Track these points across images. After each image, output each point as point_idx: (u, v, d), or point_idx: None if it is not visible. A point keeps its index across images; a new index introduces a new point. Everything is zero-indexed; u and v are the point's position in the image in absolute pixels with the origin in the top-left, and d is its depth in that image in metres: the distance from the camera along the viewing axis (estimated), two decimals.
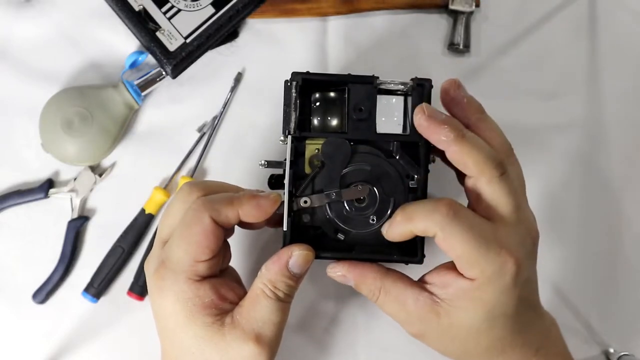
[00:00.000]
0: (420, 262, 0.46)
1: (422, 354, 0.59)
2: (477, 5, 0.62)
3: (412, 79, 0.46)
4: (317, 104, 0.48)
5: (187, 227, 0.44)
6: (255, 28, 0.63)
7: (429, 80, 0.46)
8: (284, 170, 0.46)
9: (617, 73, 0.64)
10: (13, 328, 0.59)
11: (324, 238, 0.46)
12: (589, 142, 0.63)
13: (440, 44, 0.63)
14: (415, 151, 0.46)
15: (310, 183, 0.46)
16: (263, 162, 0.48)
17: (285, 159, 0.46)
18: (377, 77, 0.46)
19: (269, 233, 0.59)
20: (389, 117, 0.47)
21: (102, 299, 0.59)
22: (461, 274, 0.43)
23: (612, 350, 0.60)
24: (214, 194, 0.46)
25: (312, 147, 0.46)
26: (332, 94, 0.48)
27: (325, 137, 0.46)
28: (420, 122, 0.43)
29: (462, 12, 0.62)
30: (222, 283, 0.46)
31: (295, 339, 0.58)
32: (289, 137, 0.46)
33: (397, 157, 0.46)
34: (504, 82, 0.63)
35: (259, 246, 0.59)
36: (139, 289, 0.58)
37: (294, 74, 0.46)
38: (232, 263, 0.50)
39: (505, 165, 0.44)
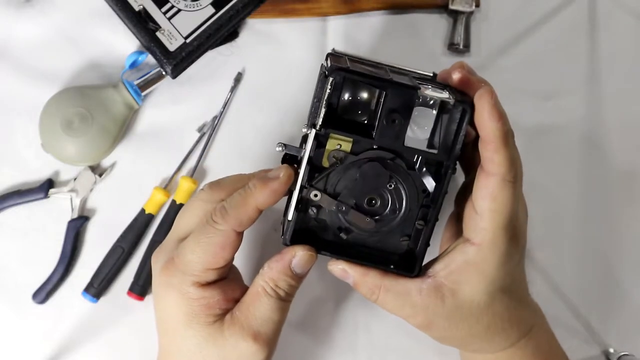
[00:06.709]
0: (417, 277, 0.46)
1: (422, 354, 0.59)
2: (477, 5, 0.62)
3: (453, 96, 0.43)
4: (347, 97, 0.45)
5: (205, 236, 0.44)
6: (255, 28, 0.62)
7: (470, 99, 0.43)
8: (300, 159, 0.44)
9: (617, 73, 0.64)
10: (13, 328, 0.58)
11: (325, 234, 0.46)
12: (589, 142, 0.63)
13: (440, 44, 0.63)
14: (438, 168, 0.45)
15: (325, 177, 0.45)
16: (280, 145, 0.45)
17: (304, 150, 0.44)
18: (419, 88, 0.43)
19: (267, 232, 0.59)
20: (419, 129, 0.45)
21: (102, 299, 0.59)
22: (466, 244, 0.44)
23: (612, 350, 0.60)
24: (234, 192, 0.45)
25: (334, 142, 0.44)
26: (365, 95, 0.45)
27: (350, 138, 0.44)
28: (485, 105, 0.42)
29: (462, 12, 0.62)
30: (228, 284, 0.46)
31: (295, 338, 0.58)
32: (313, 131, 0.43)
33: (418, 171, 0.45)
34: (504, 82, 0.63)
35: (257, 245, 0.59)
36: (139, 289, 0.58)
37: (333, 69, 0.42)
38: None
39: (519, 176, 0.44)
